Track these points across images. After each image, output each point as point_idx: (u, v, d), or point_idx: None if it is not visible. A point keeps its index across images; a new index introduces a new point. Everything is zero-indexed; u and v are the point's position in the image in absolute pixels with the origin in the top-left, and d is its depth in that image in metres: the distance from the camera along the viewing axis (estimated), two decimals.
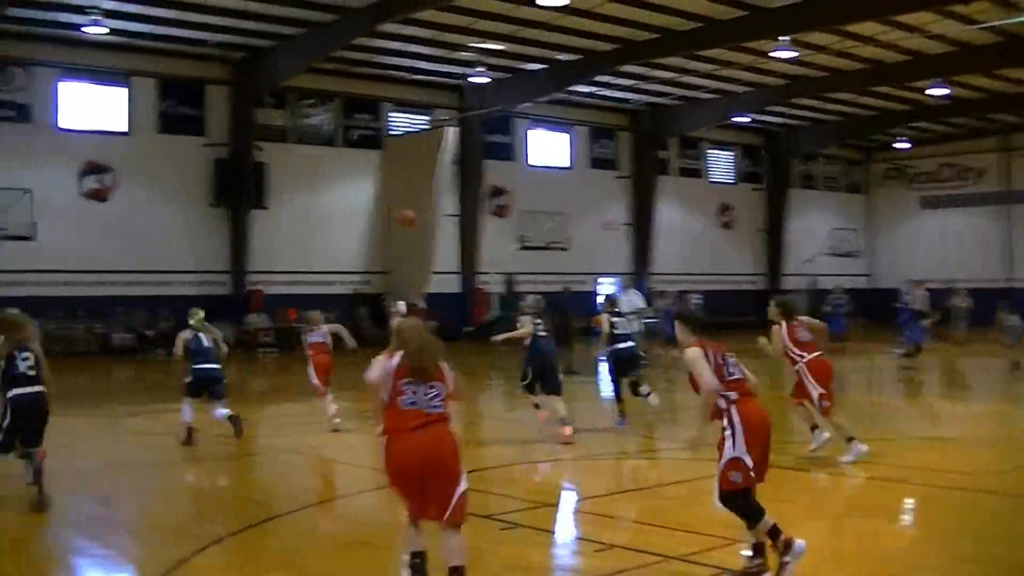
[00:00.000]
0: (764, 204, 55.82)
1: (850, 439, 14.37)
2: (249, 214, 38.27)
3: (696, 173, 53.80)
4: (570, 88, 42.20)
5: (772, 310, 15.11)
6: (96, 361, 32.28)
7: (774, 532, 8.65)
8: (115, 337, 35.56)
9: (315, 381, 18.30)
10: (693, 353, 8.94)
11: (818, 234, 57.79)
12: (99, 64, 35.95)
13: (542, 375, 17.30)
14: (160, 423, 19.26)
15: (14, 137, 34.50)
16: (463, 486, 8.12)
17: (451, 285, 42.09)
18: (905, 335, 33.86)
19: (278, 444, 17.60)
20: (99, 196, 36.08)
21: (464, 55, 38.15)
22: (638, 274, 48.00)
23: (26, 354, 12.24)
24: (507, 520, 10.88)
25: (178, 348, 17.41)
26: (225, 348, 17.87)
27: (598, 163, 49.40)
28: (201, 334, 17.22)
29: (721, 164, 55.16)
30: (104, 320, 35.36)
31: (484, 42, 36.67)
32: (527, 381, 17.52)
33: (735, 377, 8.95)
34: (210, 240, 37.96)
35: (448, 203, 41.69)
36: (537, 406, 17.76)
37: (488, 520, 10.82)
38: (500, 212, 45.56)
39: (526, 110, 44.48)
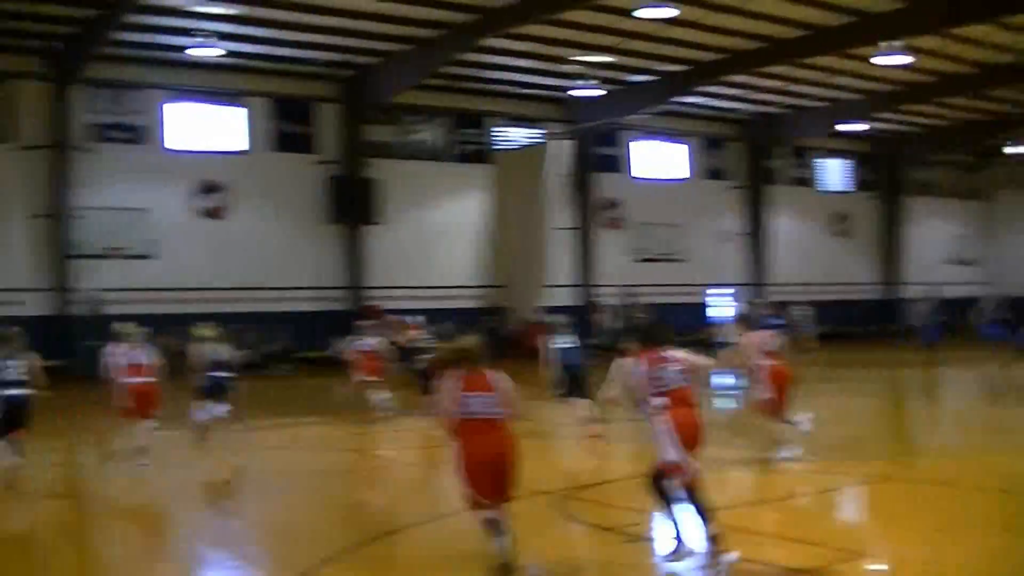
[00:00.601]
0: (879, 212, 55.05)
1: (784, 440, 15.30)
2: (363, 230, 38.64)
3: (808, 182, 53.25)
4: (677, 99, 41.91)
5: (737, 324, 16.24)
6: None
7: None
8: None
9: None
10: (623, 363, 9.85)
11: (936, 242, 56.70)
12: (213, 85, 36.52)
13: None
14: (282, 437, 19.97)
15: (131, 158, 35.15)
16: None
17: (568, 298, 41.86)
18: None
19: (397, 457, 17.77)
20: (215, 214, 36.63)
21: (569, 68, 38.06)
22: (754, 285, 47.69)
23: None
24: (629, 532, 10.79)
25: (195, 357, 18.36)
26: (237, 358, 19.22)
27: (710, 173, 49.11)
28: (211, 346, 18.49)
29: (833, 172, 54.44)
30: None
31: (589, 55, 36.59)
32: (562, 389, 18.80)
33: (668, 387, 9.60)
34: (326, 256, 38.30)
35: (560, 216, 41.60)
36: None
37: (610, 532, 10.75)
38: (613, 224, 45.36)
39: (633, 122, 44.15)
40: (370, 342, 22.78)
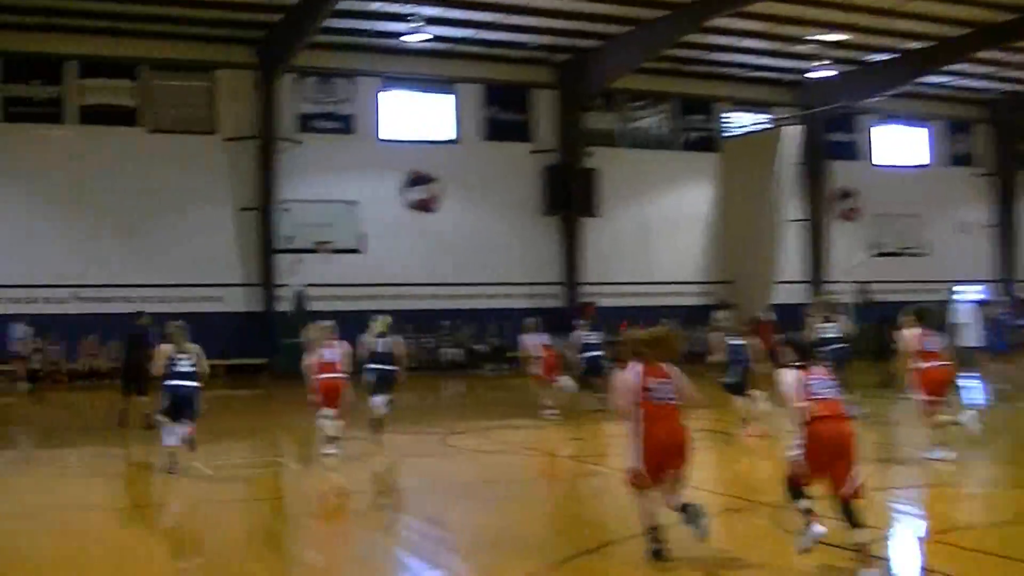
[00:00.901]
0: None
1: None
2: (581, 223, 37.61)
3: None
4: (920, 79, 39.68)
5: (906, 318, 15.45)
6: (425, 377, 31.60)
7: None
8: (443, 352, 35.06)
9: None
10: (784, 374, 9.82)
11: None
12: (423, 72, 36.14)
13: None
14: (490, 440, 19.55)
15: (340, 149, 34.90)
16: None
17: (798, 295, 39.48)
18: None
19: (609, 463, 16.44)
20: (425, 207, 36.12)
21: (803, 48, 36.61)
22: (1002, 281, 44.92)
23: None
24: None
25: (362, 351, 18.12)
26: (403, 352, 18.65)
27: (954, 159, 46.48)
28: (380, 340, 18.21)
29: None
30: (432, 334, 34.96)
31: (824, 33, 35.08)
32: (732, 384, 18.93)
33: (819, 397, 9.54)
34: (540, 251, 37.49)
35: (791, 207, 39.83)
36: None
37: (832, 549, 9.62)
38: (849, 215, 43.01)
39: (872, 105, 41.85)
40: (545, 339, 22.57)
